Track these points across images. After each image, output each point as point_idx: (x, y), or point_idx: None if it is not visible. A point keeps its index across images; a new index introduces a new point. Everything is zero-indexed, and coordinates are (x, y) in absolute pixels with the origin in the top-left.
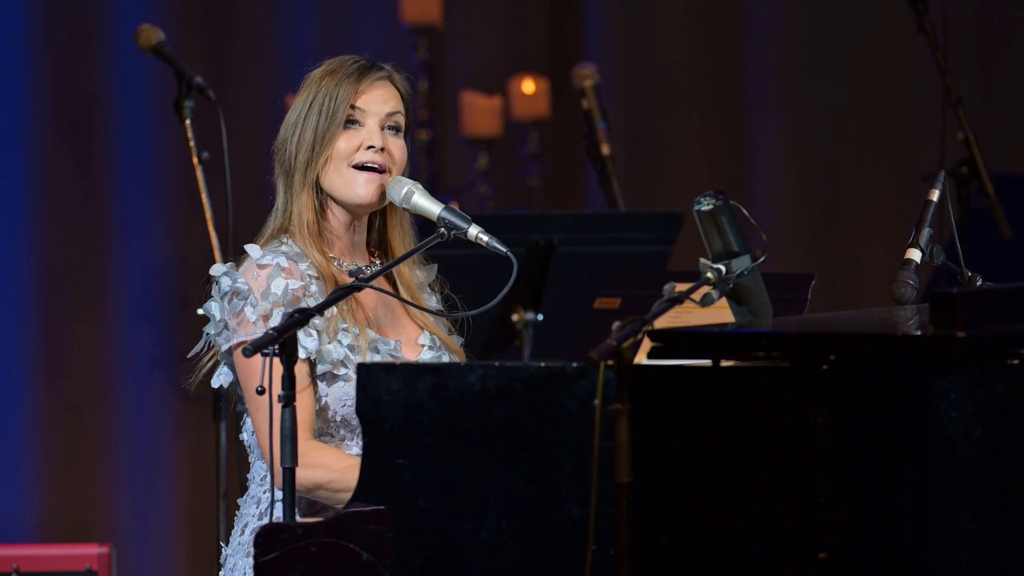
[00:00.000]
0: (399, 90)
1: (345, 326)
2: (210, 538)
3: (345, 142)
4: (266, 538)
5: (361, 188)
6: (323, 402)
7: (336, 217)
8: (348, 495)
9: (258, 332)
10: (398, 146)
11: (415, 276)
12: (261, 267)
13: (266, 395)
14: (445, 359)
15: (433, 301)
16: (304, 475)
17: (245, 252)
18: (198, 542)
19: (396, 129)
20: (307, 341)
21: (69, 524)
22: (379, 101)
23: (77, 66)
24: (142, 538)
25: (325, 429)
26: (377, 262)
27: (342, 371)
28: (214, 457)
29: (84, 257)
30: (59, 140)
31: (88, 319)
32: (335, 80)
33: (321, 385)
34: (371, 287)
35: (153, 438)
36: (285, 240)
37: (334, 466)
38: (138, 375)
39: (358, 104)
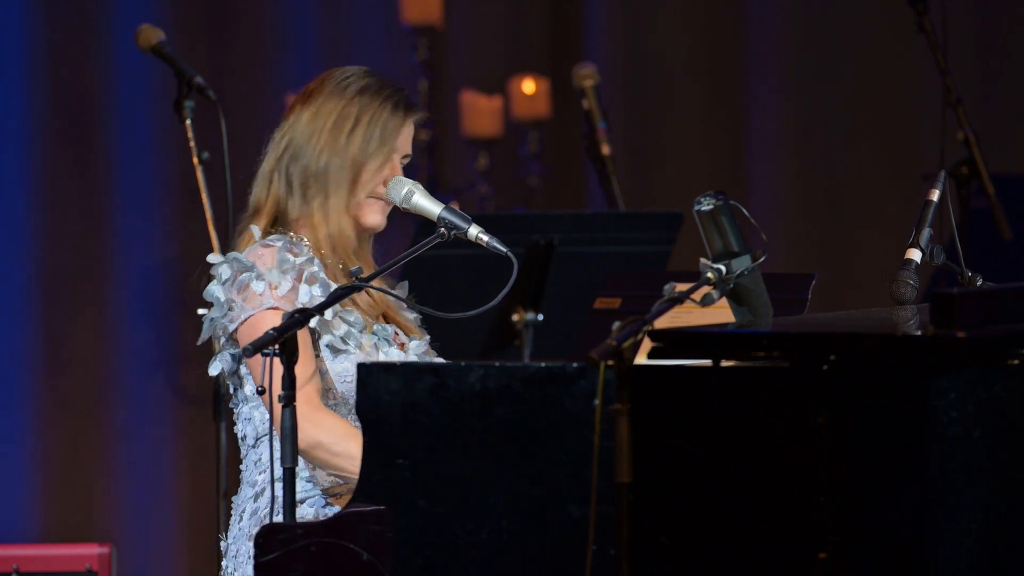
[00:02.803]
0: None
1: (350, 307)
2: (210, 538)
3: (384, 172)
4: (266, 538)
5: (378, 218)
6: (325, 376)
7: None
8: (345, 462)
9: (266, 302)
10: None
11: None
12: (265, 247)
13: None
14: (433, 356)
15: (412, 317)
16: (306, 431)
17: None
18: (198, 542)
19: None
20: (312, 291)
21: (69, 524)
22: (408, 142)
23: (77, 66)
24: (142, 538)
25: (326, 405)
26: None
27: (344, 346)
28: (214, 457)
29: (84, 257)
30: (59, 140)
31: (88, 319)
32: (378, 104)
33: (326, 357)
34: (371, 287)
35: (153, 438)
36: (282, 232)
37: (337, 428)
38: (138, 375)
39: (397, 144)
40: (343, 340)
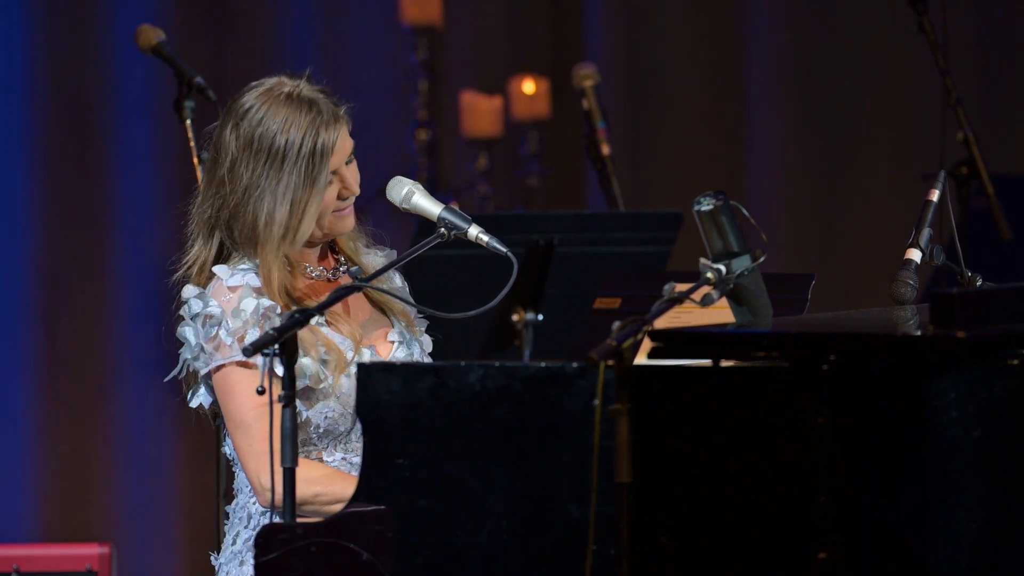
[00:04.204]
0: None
1: (319, 344)
2: (210, 538)
3: (328, 196)
4: (266, 538)
5: (346, 223)
6: (304, 416)
7: (310, 245)
8: (336, 506)
9: (235, 354)
10: (357, 173)
11: (372, 260)
12: (232, 289)
13: (249, 416)
14: (416, 353)
15: (397, 281)
16: (299, 489)
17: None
18: (198, 542)
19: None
20: (308, 365)
21: (69, 524)
22: (343, 149)
23: (77, 66)
24: (142, 538)
25: (308, 441)
26: (341, 258)
27: (320, 385)
28: (214, 457)
29: (84, 257)
30: (59, 140)
31: (88, 319)
32: (309, 138)
33: (301, 401)
34: (371, 287)
35: (153, 438)
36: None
37: (317, 478)
38: (138, 375)
39: (333, 166)
40: (319, 379)
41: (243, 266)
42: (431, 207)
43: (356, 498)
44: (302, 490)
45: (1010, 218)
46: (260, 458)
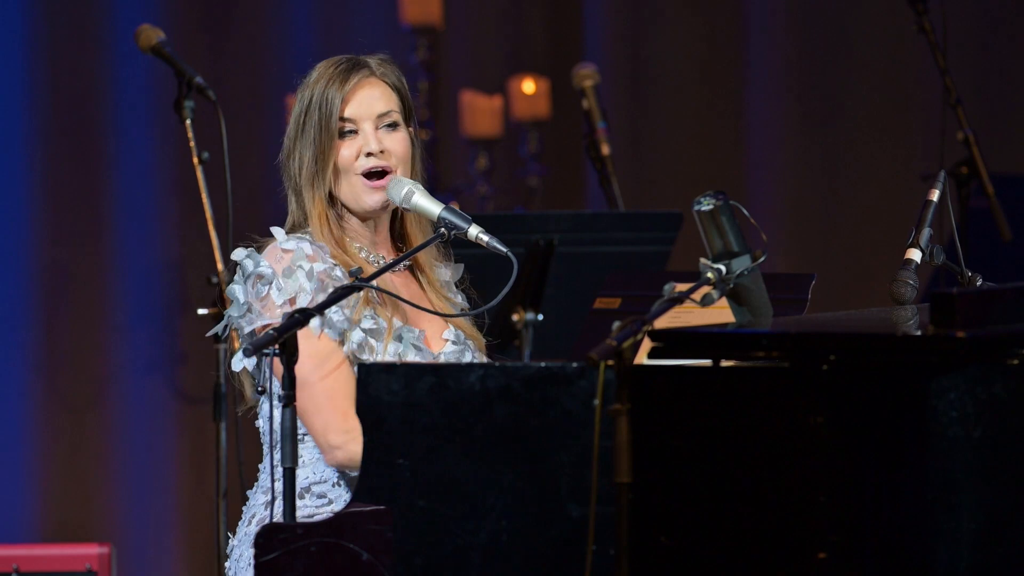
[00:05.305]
0: (388, 83)
1: (369, 312)
2: (210, 538)
3: (346, 151)
4: (266, 538)
5: (368, 197)
6: None
7: (353, 220)
8: None
9: (283, 315)
10: (397, 140)
11: (440, 274)
12: (285, 251)
13: (311, 375)
14: (468, 355)
15: (459, 299)
16: (357, 450)
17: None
18: (198, 542)
19: (393, 125)
20: (336, 316)
21: (69, 524)
22: (367, 104)
23: (77, 66)
24: (142, 538)
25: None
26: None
27: (363, 356)
28: (214, 457)
29: (84, 257)
30: (59, 140)
31: (88, 319)
32: (322, 89)
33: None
34: (371, 287)
35: (153, 438)
36: (306, 233)
37: None
38: (138, 375)
39: (347, 114)
40: (362, 349)
41: (297, 237)
42: (431, 207)
43: (356, 498)
44: (357, 449)
45: (1010, 218)
46: (323, 414)
